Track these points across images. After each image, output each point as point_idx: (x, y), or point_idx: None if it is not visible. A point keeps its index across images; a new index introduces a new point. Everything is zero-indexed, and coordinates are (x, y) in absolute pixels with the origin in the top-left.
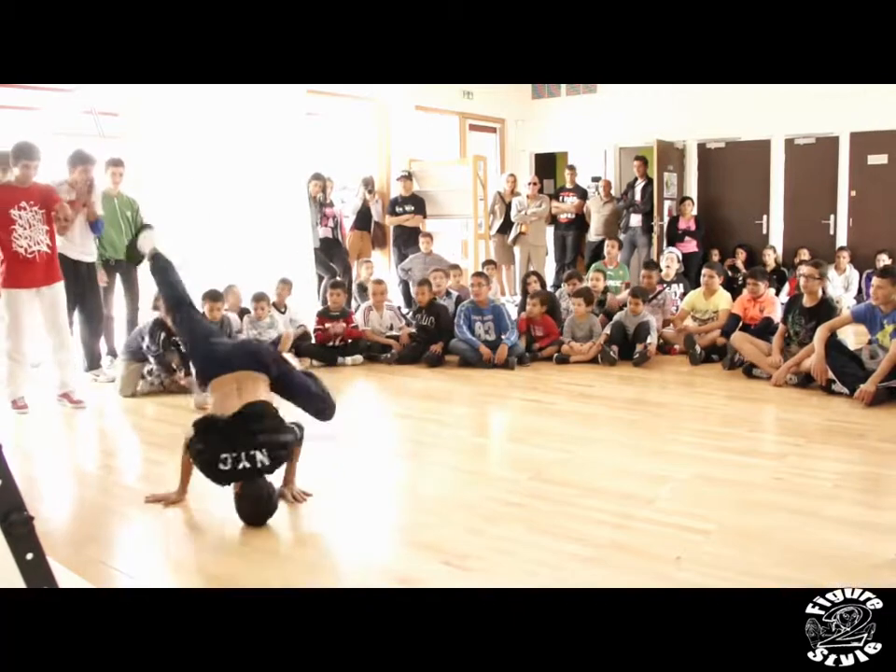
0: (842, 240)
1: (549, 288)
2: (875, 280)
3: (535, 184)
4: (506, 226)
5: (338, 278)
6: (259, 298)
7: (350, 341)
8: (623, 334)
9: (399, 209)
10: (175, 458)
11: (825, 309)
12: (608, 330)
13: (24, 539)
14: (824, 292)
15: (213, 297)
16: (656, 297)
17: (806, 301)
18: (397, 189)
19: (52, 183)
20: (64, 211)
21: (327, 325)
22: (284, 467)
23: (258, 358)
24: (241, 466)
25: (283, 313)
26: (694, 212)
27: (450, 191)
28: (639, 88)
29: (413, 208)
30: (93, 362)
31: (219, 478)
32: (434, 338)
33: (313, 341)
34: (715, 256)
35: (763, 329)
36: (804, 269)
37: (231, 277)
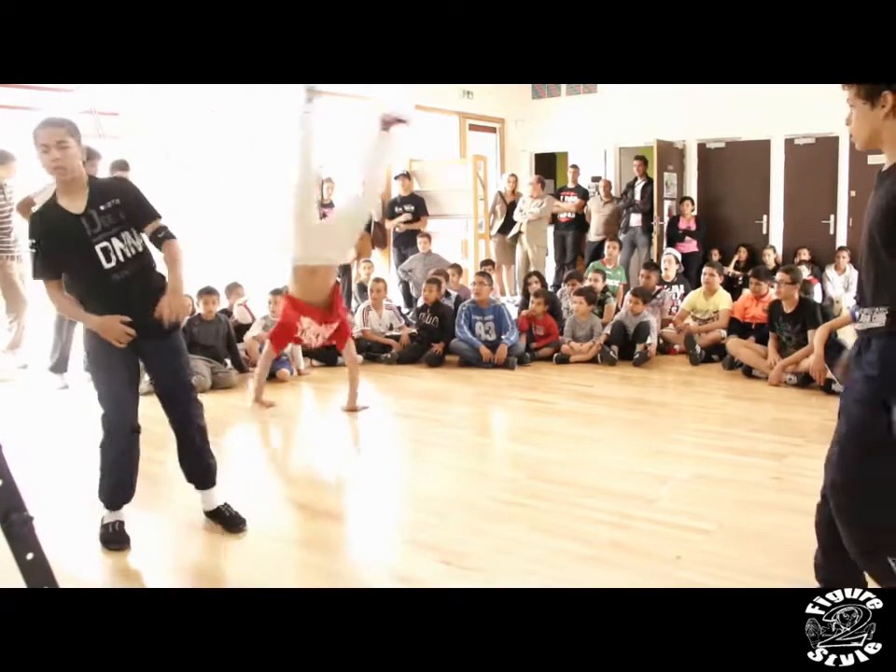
0: (842, 240)
1: (549, 289)
2: None
3: (536, 183)
4: (507, 226)
5: (337, 279)
6: (277, 292)
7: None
8: (624, 334)
9: (398, 209)
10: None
11: (807, 310)
12: (608, 330)
13: (24, 539)
14: (824, 293)
15: (208, 292)
16: (655, 296)
17: (786, 307)
18: (395, 188)
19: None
20: None
21: None
22: None
23: None
24: None
25: None
26: (695, 212)
27: (450, 191)
28: (639, 88)
29: (412, 208)
30: None
31: None
32: (436, 337)
33: None
34: (715, 256)
35: (767, 334)
36: (777, 275)
37: (230, 277)
